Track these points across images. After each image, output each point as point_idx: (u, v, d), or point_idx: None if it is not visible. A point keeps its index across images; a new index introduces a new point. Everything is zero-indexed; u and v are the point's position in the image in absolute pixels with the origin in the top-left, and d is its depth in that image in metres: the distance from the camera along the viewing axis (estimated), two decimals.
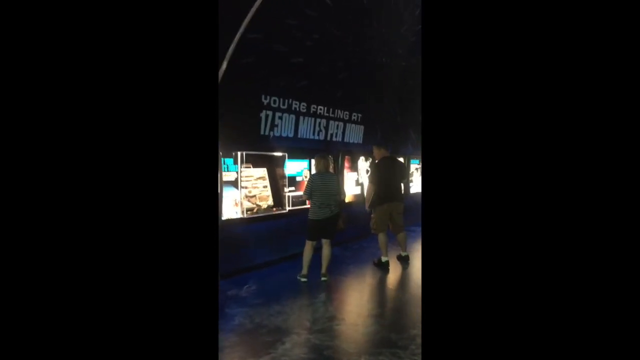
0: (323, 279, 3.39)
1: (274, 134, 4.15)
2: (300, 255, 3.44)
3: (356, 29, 4.60)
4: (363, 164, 5.19)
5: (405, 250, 4.11)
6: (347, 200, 4.49)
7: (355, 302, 3.06)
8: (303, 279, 3.34)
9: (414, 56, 5.73)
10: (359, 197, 5.11)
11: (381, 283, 3.53)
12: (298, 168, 4.22)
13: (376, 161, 4.06)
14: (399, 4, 4.98)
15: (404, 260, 4.06)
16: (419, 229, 5.74)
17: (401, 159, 5.30)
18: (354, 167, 5.01)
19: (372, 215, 4.00)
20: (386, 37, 5.10)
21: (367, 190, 3.99)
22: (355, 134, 5.31)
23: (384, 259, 4.03)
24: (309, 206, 3.41)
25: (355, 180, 5.06)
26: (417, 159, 6.51)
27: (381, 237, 3.96)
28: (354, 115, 5.17)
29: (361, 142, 5.43)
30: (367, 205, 3.97)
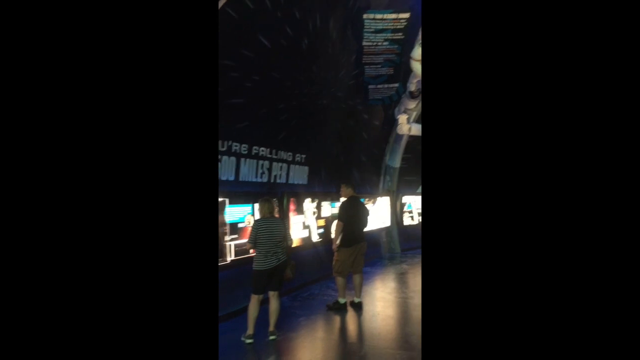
0: (271, 337, 3.02)
1: None
2: (244, 311, 3.05)
3: (296, 72, 4.62)
4: (309, 205, 5.03)
5: (359, 296, 3.92)
6: (293, 245, 4.26)
7: None
8: (248, 340, 2.94)
9: (353, 99, 5.92)
10: (306, 241, 4.88)
11: (337, 336, 3.24)
12: (240, 214, 3.90)
13: (343, 199, 3.96)
14: (336, 50, 5.17)
15: (358, 307, 3.85)
16: (372, 269, 5.64)
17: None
18: (299, 210, 4.81)
19: (335, 258, 3.81)
20: (325, 80, 5.21)
21: (336, 229, 3.82)
22: (299, 175, 5.18)
23: (341, 300, 3.81)
24: (253, 255, 3.10)
25: (302, 223, 4.85)
26: (362, 197, 6.54)
27: (339, 279, 3.78)
28: (298, 156, 5.07)
29: (306, 183, 5.31)
30: (334, 244, 3.81)
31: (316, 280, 5.07)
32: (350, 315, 3.70)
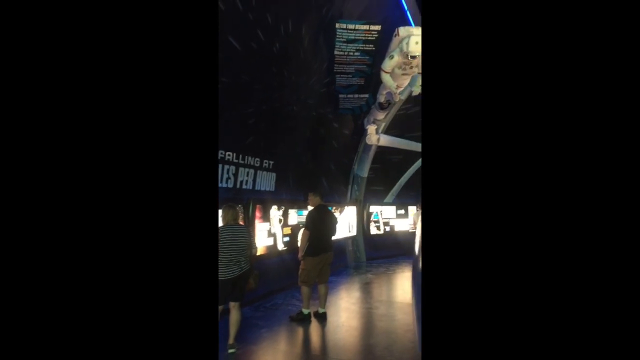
0: (231, 350, 2.88)
1: None
2: None
3: (266, 76, 4.54)
4: (275, 212, 4.92)
5: (324, 307, 3.85)
6: (258, 253, 4.13)
7: None
8: None
9: (324, 107, 5.91)
10: (272, 250, 4.76)
11: (299, 349, 3.14)
12: None
13: (311, 208, 3.89)
14: (308, 57, 5.15)
15: (322, 318, 3.77)
16: (337, 279, 5.59)
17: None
18: (265, 217, 4.69)
19: (301, 267, 3.72)
20: (296, 86, 5.16)
21: (302, 237, 3.73)
22: (266, 181, 5.07)
23: (305, 311, 3.72)
24: None
25: (268, 231, 4.72)
26: (330, 205, 6.52)
27: (304, 288, 3.69)
28: (265, 162, 4.96)
29: (273, 189, 5.20)
30: (300, 253, 3.71)
31: (281, 290, 4.94)
32: (314, 326, 3.61)
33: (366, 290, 5.13)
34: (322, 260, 3.74)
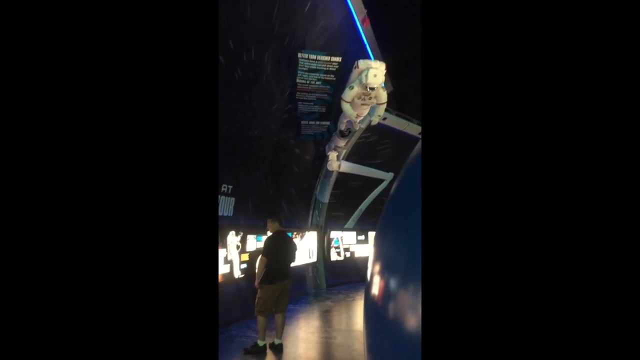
0: (278, 341, 2.66)
1: None
2: None
3: (226, 101, 4.52)
4: (233, 238, 4.77)
5: (280, 337, 3.71)
6: None
7: None
8: None
9: (285, 132, 5.95)
10: (228, 277, 4.57)
11: None
12: None
13: (270, 234, 3.79)
14: (270, 83, 5.22)
15: (278, 350, 3.63)
16: (296, 307, 5.45)
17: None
18: (222, 243, 4.53)
19: (258, 295, 3.58)
20: (258, 112, 5.18)
21: (259, 264, 3.60)
22: (225, 206, 4.94)
23: (260, 342, 3.56)
24: None
25: (224, 258, 4.55)
26: (290, 231, 6.44)
27: (261, 318, 3.54)
28: (224, 187, 4.85)
29: (232, 214, 5.07)
30: (257, 281, 3.58)
31: (236, 320, 4.72)
32: (270, 359, 3.46)
33: (325, 319, 5.04)
34: (279, 288, 3.64)
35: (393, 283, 1.33)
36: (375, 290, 1.38)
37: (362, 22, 5.61)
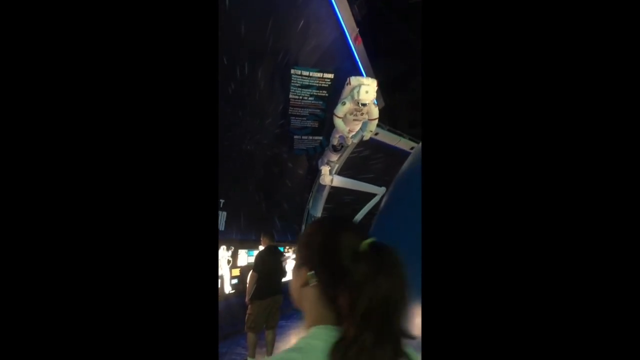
0: None
1: None
2: None
3: (220, 115, 4.55)
4: (224, 253, 4.73)
5: (270, 355, 3.65)
6: None
7: None
8: None
9: (278, 147, 5.99)
10: (218, 293, 4.51)
11: None
12: None
13: (260, 249, 3.78)
14: (263, 98, 5.28)
15: None
16: (288, 323, 5.36)
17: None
18: None
19: (248, 311, 3.52)
20: (251, 126, 5.22)
21: (250, 279, 3.56)
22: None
23: None
24: None
25: None
26: (282, 245, 6.41)
27: (251, 335, 3.48)
28: None
29: (223, 229, 5.03)
30: (247, 297, 3.55)
31: (226, 337, 4.63)
32: None
33: None
34: (270, 304, 3.60)
35: None
36: None
37: (354, 40, 5.74)
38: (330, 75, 5.23)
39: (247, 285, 3.68)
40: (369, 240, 0.64)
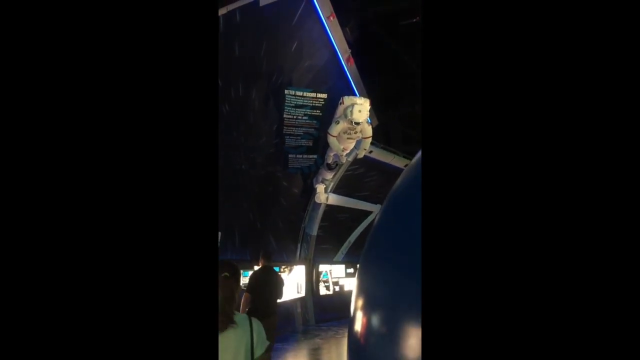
0: None
1: None
2: None
3: None
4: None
5: None
6: None
7: None
8: None
9: (273, 165, 6.01)
10: None
11: None
12: None
13: (255, 269, 3.71)
14: (258, 118, 5.34)
15: None
16: (283, 346, 5.24)
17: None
18: None
19: None
20: (245, 145, 5.25)
21: (243, 301, 3.50)
22: None
23: None
24: None
25: None
26: (277, 265, 6.32)
27: None
28: None
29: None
30: None
31: None
32: None
33: (314, 358, 4.85)
34: (265, 326, 3.52)
35: (375, 320, 1.32)
36: (358, 327, 1.36)
37: (347, 61, 5.87)
38: (324, 95, 5.32)
39: (241, 306, 3.61)
40: None
